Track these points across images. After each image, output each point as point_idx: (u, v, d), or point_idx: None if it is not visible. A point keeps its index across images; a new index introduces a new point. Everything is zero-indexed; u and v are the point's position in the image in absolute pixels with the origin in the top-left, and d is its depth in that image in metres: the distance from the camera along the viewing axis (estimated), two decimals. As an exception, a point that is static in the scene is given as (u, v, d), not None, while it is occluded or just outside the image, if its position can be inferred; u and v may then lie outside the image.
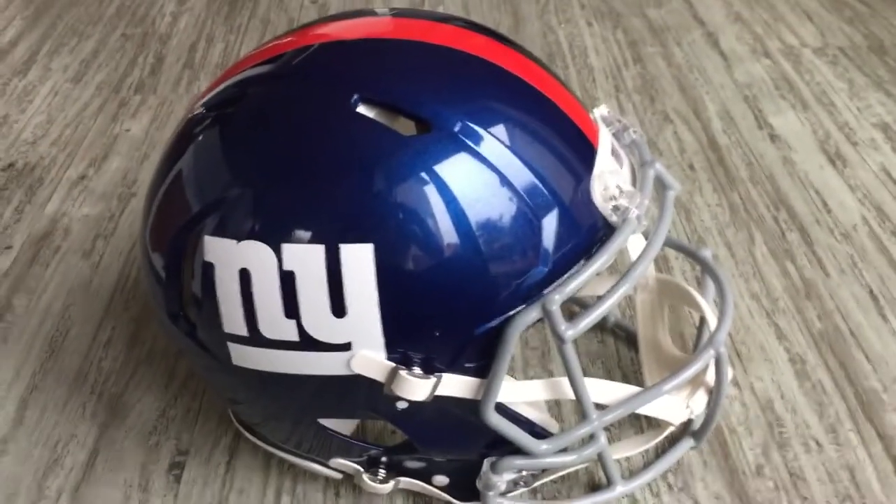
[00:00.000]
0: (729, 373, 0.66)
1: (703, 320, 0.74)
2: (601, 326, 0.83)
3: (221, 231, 0.55)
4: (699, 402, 0.67)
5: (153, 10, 1.50)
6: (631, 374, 0.78)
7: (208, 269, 0.55)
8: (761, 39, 1.32)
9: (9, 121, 1.20)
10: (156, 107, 1.22)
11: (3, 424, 0.76)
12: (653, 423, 0.73)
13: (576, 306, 0.82)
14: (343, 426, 0.66)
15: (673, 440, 0.71)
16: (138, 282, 0.91)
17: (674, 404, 0.66)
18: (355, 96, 0.54)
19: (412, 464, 0.65)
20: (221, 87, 0.60)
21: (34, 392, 0.79)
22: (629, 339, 0.81)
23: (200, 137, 0.58)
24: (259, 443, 0.69)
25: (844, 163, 1.04)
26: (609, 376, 0.78)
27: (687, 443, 0.70)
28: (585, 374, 0.60)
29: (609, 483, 0.66)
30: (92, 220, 1.01)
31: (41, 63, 1.35)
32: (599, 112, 0.65)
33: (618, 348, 0.81)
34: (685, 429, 0.71)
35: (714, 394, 0.67)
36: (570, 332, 0.56)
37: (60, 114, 1.21)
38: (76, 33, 1.43)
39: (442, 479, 0.65)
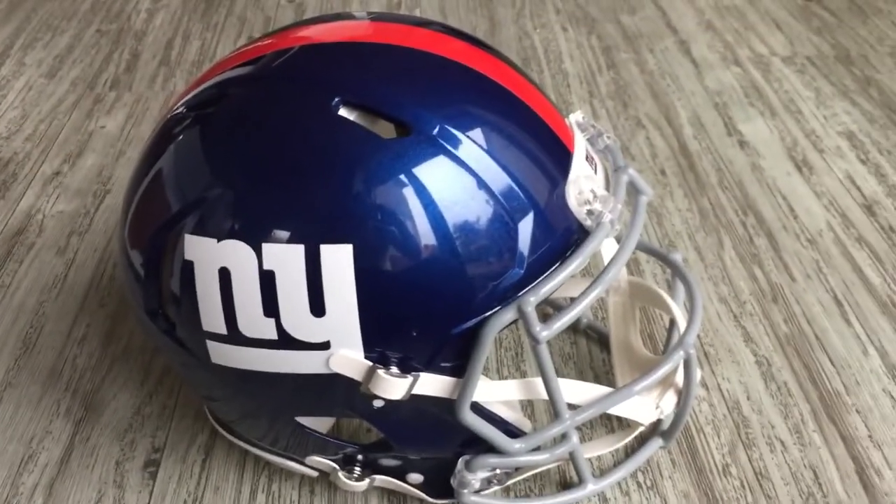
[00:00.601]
0: (698, 374, 0.68)
1: (672, 322, 0.76)
2: (573, 328, 0.84)
3: (202, 230, 0.55)
4: (669, 402, 0.69)
5: (128, 6, 1.50)
6: (602, 375, 0.80)
7: (188, 267, 0.56)
8: (732, 48, 1.35)
9: (-18, 115, 1.20)
10: (131, 104, 1.22)
11: (-24, 421, 0.76)
12: (623, 424, 0.74)
13: (549, 308, 0.84)
14: (319, 424, 0.66)
15: (643, 440, 0.72)
16: (113, 279, 0.91)
17: (644, 405, 0.68)
18: (336, 99, 0.55)
19: (387, 462, 0.66)
20: (201, 87, 0.60)
21: (8, 388, 0.79)
22: (601, 340, 0.83)
23: (181, 137, 0.59)
24: (235, 440, 0.69)
25: (811, 170, 1.07)
26: (581, 377, 0.80)
27: (656, 442, 0.72)
28: (558, 374, 0.61)
29: (580, 481, 0.67)
30: (66, 216, 1.00)
31: (15, 57, 1.34)
32: (574, 118, 0.66)
33: (590, 349, 0.83)
34: (654, 429, 0.72)
35: (683, 394, 0.68)
36: (544, 333, 0.57)
37: (35, 109, 1.21)
38: (50, 28, 1.42)
39: (417, 477, 0.66)
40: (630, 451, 0.72)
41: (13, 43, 1.38)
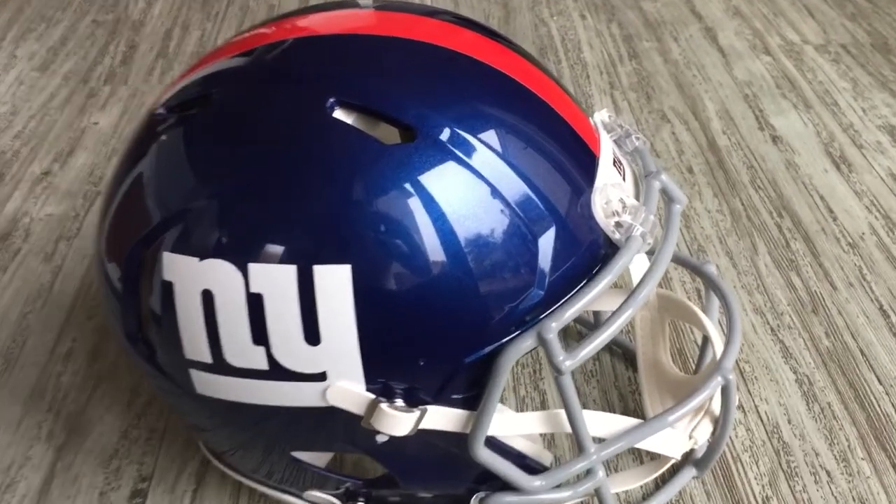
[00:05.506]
0: (736, 400, 0.61)
1: (706, 339, 0.69)
2: (596, 342, 0.77)
3: (182, 247, 0.49)
4: (703, 431, 0.62)
5: (127, -5, 1.44)
6: (628, 395, 0.74)
7: (168, 288, 0.50)
8: (761, 35, 1.27)
9: (-30, 112, 1.14)
10: (126, 98, 1.16)
11: (-50, 446, 0.71)
12: (653, 454, 0.68)
13: (571, 322, 0.77)
14: (318, 457, 0.61)
15: (674, 469, 0.66)
16: (102, 288, 0.85)
17: (675, 436, 0.61)
18: (331, 100, 0.49)
19: (393, 498, 0.60)
20: (190, 79, 0.55)
21: (-15, 410, 0.74)
22: (626, 356, 0.77)
23: (163, 137, 0.53)
24: (228, 471, 0.63)
25: (850, 167, 1.00)
26: (605, 396, 0.73)
27: (689, 472, 0.66)
28: (580, 394, 0.54)
29: (606, 518, 0.61)
30: (55, 220, 0.95)
31: (6, 50, 1.28)
32: (600, 117, 0.60)
33: (614, 366, 0.76)
34: (687, 457, 0.66)
35: (720, 423, 0.62)
36: (567, 363, 0.50)
37: (25, 104, 1.15)
38: (44, 19, 1.36)
39: (425, 515, 0.61)
40: (661, 481, 0.66)
41: (5, 35, 1.32)
